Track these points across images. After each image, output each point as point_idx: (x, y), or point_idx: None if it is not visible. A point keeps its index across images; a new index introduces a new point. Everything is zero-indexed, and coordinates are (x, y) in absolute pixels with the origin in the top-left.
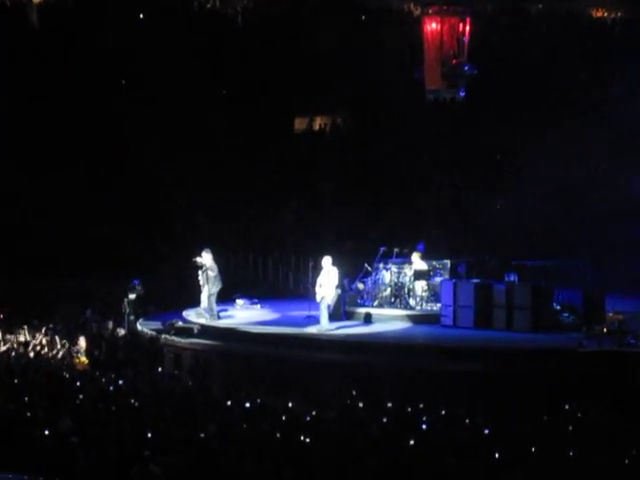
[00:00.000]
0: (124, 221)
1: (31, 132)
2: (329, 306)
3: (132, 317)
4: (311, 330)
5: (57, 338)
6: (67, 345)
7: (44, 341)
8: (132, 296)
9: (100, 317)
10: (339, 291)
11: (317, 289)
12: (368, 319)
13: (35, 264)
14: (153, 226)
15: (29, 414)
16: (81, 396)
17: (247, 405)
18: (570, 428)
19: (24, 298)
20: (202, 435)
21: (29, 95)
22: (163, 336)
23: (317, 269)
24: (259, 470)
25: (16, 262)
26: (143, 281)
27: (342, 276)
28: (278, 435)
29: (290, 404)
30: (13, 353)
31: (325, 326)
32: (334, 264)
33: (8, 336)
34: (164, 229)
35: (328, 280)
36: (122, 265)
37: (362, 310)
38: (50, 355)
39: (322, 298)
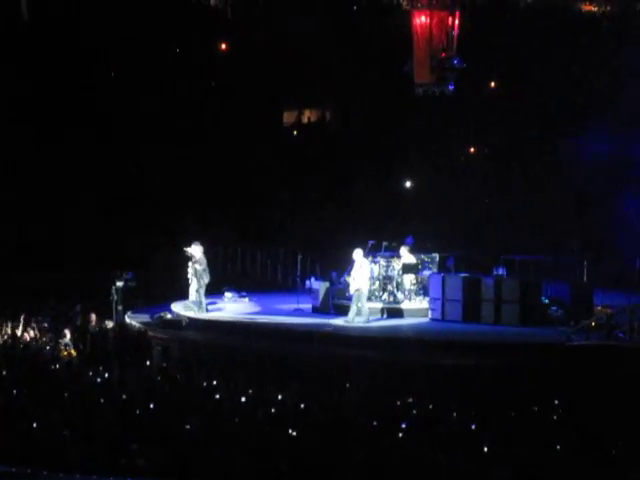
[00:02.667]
0: (112, 215)
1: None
2: (363, 298)
3: (120, 307)
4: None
5: (43, 332)
6: (53, 338)
7: (32, 334)
8: (120, 284)
9: (84, 310)
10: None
11: (351, 282)
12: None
13: (23, 258)
14: (143, 219)
15: (17, 407)
16: (69, 390)
17: (237, 398)
18: (558, 422)
19: (12, 292)
20: (188, 427)
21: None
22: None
23: (305, 262)
24: (249, 463)
25: (4, 255)
26: (135, 274)
27: (331, 269)
28: (269, 428)
29: (280, 397)
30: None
31: (357, 317)
32: (327, 257)
33: None
34: (153, 223)
35: (361, 272)
36: (111, 258)
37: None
38: (37, 348)
39: (356, 290)
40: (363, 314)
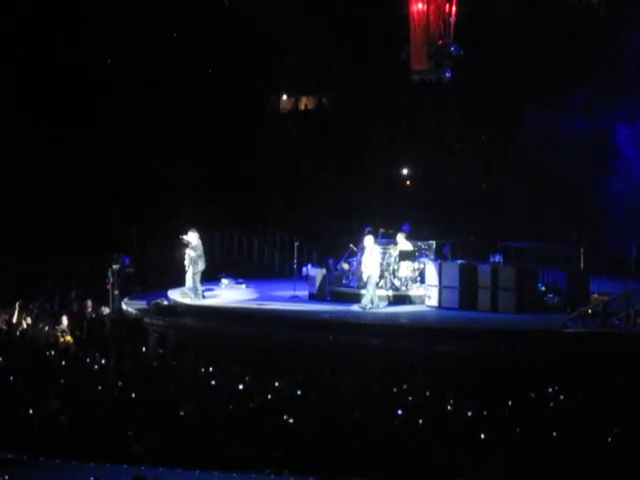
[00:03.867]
0: (109, 200)
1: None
2: (375, 284)
3: (116, 292)
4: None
5: (40, 318)
6: (50, 324)
7: (29, 321)
8: (116, 267)
9: (81, 296)
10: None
11: (362, 268)
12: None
13: (19, 243)
14: (139, 205)
15: (14, 393)
16: (66, 376)
17: (234, 385)
18: (554, 409)
19: (8, 277)
20: (182, 414)
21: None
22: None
23: (302, 249)
24: (245, 450)
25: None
26: (133, 260)
27: (327, 256)
28: (265, 415)
29: (277, 384)
30: None
31: (370, 304)
32: (324, 243)
33: None
34: (149, 209)
35: (372, 259)
36: (107, 244)
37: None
38: (34, 334)
39: (368, 277)
40: (374, 300)
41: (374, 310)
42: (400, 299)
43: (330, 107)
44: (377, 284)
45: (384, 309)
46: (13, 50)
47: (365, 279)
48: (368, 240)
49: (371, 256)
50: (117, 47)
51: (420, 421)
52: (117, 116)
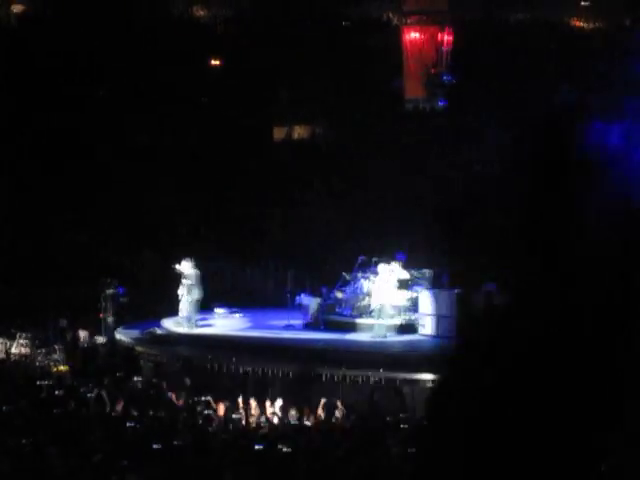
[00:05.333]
0: (103, 228)
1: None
2: (383, 313)
3: (110, 319)
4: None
5: (34, 347)
6: (44, 354)
7: (22, 350)
8: (109, 291)
9: (74, 326)
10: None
11: (375, 296)
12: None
13: (11, 272)
14: (133, 234)
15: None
16: (60, 406)
17: (228, 414)
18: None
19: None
20: (178, 443)
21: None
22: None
23: (297, 278)
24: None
25: None
26: (127, 290)
27: (321, 285)
28: (258, 446)
29: (270, 413)
30: None
31: (381, 332)
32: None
33: None
34: (145, 237)
35: (385, 286)
36: (100, 273)
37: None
38: (27, 363)
39: (381, 305)
40: (382, 329)
41: (382, 339)
42: (403, 328)
43: (324, 136)
44: (363, 314)
45: (390, 338)
46: None
47: (374, 306)
48: (382, 268)
49: (386, 284)
50: (112, 75)
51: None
52: (110, 147)
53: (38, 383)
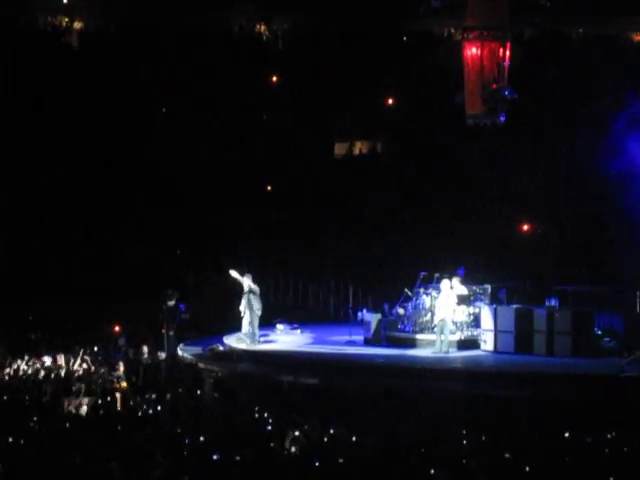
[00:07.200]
0: (165, 245)
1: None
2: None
3: (171, 332)
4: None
5: (96, 364)
6: (106, 370)
7: (84, 367)
8: (171, 303)
9: (136, 342)
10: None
11: (436, 311)
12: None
13: (72, 288)
14: (194, 252)
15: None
16: (121, 422)
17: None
18: (611, 455)
19: (62, 321)
20: (238, 459)
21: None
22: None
23: (357, 293)
24: None
25: (54, 285)
26: (188, 306)
27: (382, 301)
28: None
29: (332, 430)
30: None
31: (443, 348)
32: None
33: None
34: (204, 254)
35: (447, 302)
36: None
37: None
38: (89, 380)
39: (441, 320)
40: (444, 345)
41: (443, 355)
42: (466, 344)
43: (384, 151)
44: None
45: (452, 354)
46: None
47: (436, 322)
48: (444, 284)
49: (447, 300)
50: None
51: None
52: (168, 162)
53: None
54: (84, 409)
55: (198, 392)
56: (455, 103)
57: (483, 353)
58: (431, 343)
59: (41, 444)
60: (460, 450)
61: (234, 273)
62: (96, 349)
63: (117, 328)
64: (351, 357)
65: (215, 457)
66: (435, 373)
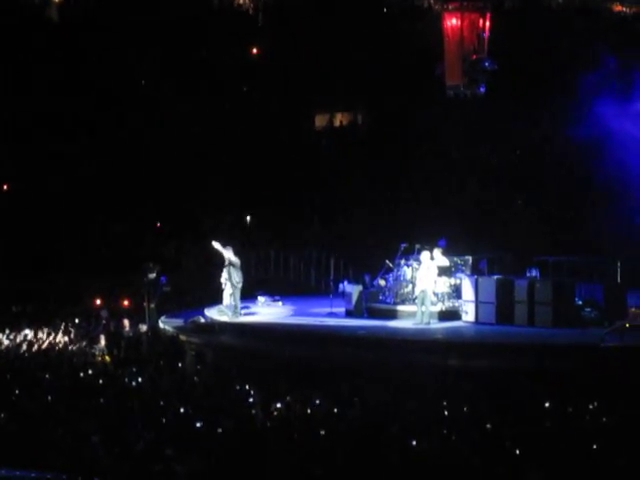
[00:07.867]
0: (143, 217)
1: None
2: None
3: (152, 305)
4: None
5: (77, 337)
6: (87, 344)
7: (66, 340)
8: (151, 276)
9: (117, 314)
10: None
11: (417, 283)
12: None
13: (53, 262)
14: (175, 223)
15: (51, 413)
16: (103, 395)
17: (271, 403)
18: (592, 425)
19: (44, 296)
20: (220, 431)
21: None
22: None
23: (338, 265)
24: (284, 468)
25: (36, 259)
26: (170, 278)
27: (363, 272)
28: (301, 433)
29: (317, 401)
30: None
31: (424, 319)
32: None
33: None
34: (185, 226)
35: (427, 274)
36: (142, 262)
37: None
38: (72, 353)
39: (421, 292)
40: (425, 316)
41: (425, 326)
42: (447, 315)
43: (365, 124)
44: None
45: (434, 325)
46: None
47: (417, 293)
48: (424, 256)
49: (427, 271)
50: (152, 65)
51: (457, 437)
52: (153, 138)
53: (81, 373)
54: None
55: (179, 364)
56: (435, 75)
57: (464, 324)
58: (412, 314)
59: (22, 418)
60: (441, 421)
61: (217, 245)
62: (77, 322)
63: (98, 301)
64: (332, 329)
65: (198, 426)
66: (416, 344)
